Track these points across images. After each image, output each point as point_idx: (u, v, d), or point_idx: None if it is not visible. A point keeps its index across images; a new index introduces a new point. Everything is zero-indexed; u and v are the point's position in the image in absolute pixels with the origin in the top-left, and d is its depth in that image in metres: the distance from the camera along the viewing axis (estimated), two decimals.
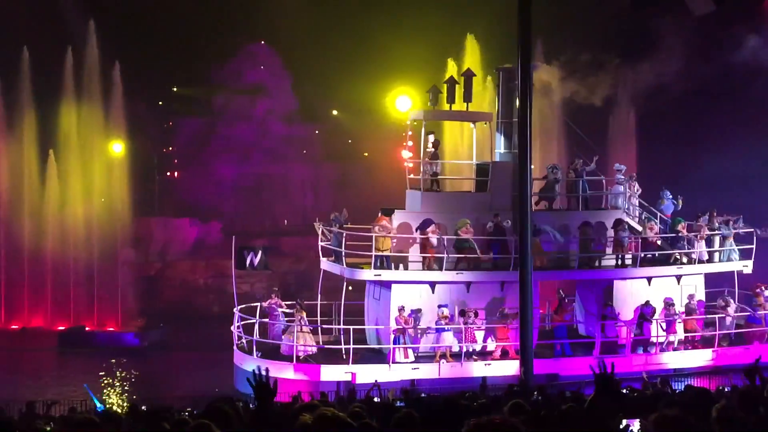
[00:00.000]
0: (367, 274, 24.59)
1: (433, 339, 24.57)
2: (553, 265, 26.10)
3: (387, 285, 24.95)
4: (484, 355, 24.91)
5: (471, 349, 24.58)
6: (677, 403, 8.14)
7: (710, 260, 27.40)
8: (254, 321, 24.87)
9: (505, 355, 24.67)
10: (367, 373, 23.25)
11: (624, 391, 13.77)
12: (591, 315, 26.44)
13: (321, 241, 25.55)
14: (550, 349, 25.15)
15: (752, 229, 27.74)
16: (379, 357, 24.37)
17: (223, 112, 55.58)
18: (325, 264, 25.78)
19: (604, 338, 25.06)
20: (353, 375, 23.51)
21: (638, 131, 45.08)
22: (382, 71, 44.92)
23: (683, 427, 4.72)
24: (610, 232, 26.37)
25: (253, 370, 5.52)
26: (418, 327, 24.32)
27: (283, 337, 24.67)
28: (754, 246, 27.34)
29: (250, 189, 53.87)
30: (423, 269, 24.97)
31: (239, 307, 25.24)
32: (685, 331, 26.19)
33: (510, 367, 24.23)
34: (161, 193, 54.97)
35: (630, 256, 26.21)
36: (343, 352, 23.87)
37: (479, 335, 24.94)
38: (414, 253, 25.24)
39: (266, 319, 25.05)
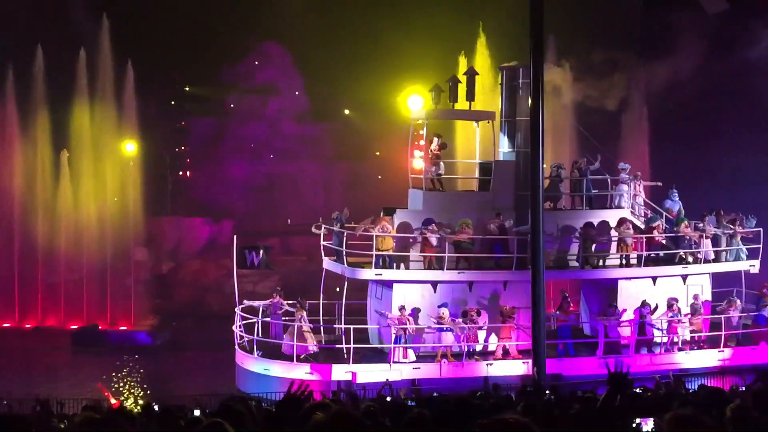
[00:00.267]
0: (368, 274, 24.56)
1: (433, 339, 24.53)
2: (556, 265, 26.03)
3: (389, 284, 24.92)
4: (485, 354, 24.89)
5: (472, 349, 24.58)
6: (691, 402, 8.11)
7: (717, 260, 27.23)
8: (256, 320, 24.90)
9: (506, 354, 24.65)
10: (368, 373, 23.29)
11: (637, 390, 13.72)
12: (595, 315, 26.34)
13: (323, 241, 25.54)
14: (553, 349, 25.15)
15: (758, 229, 27.49)
16: (380, 356, 24.34)
17: (235, 111, 55.73)
18: (327, 263, 25.76)
19: (608, 338, 24.95)
20: (353, 375, 23.51)
21: (651, 130, 44.92)
22: (394, 70, 44.89)
23: (698, 427, 4.71)
24: (614, 232, 26.30)
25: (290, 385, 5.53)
26: (418, 327, 24.29)
27: (284, 336, 24.71)
28: (761, 245, 27.18)
29: (261, 188, 53.99)
30: (424, 269, 24.98)
31: (240, 307, 25.27)
32: (691, 331, 26.07)
33: (512, 367, 24.21)
34: (173, 192, 55.18)
35: (635, 255, 26.10)
36: (344, 351, 23.91)
37: (481, 335, 24.93)
38: (415, 253, 25.23)
39: (267, 319, 25.09)
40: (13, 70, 40.15)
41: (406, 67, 43.89)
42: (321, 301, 26.09)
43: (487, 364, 24.26)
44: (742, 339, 26.24)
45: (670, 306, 25.59)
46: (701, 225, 26.89)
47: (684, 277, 26.57)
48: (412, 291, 24.82)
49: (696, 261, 26.59)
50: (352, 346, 23.75)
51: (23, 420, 6.59)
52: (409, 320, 24.02)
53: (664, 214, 27.55)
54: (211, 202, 52.07)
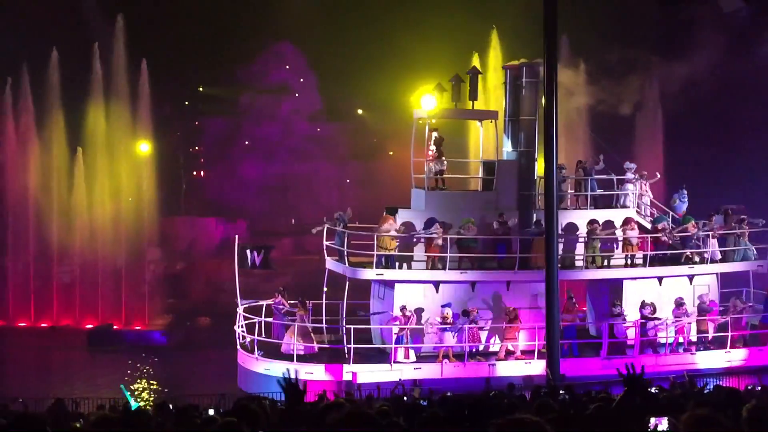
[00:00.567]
0: (369, 274, 24.52)
1: (435, 339, 24.47)
2: (561, 265, 25.87)
3: (390, 284, 24.86)
4: (487, 355, 24.81)
5: (475, 349, 24.51)
6: (707, 402, 8.08)
7: (725, 259, 27.00)
8: (257, 321, 24.96)
9: (509, 355, 24.59)
10: (368, 373, 23.27)
11: (653, 390, 13.67)
12: (601, 315, 26.20)
13: (325, 241, 25.50)
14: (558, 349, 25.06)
15: (765, 229, 27.23)
16: (381, 357, 24.30)
17: (248, 111, 55.86)
18: (330, 263, 25.69)
19: (615, 339, 24.82)
20: (354, 375, 23.49)
21: (665, 129, 44.73)
22: (407, 70, 44.88)
23: (714, 427, 4.69)
24: (619, 231, 26.15)
25: (283, 373, 5.53)
26: (417, 327, 24.23)
27: (285, 336, 24.75)
28: None
29: (275, 188, 54.10)
30: (427, 268, 24.91)
31: (242, 307, 25.33)
32: (698, 332, 25.90)
33: (514, 368, 24.13)
34: (187, 192, 55.36)
35: (640, 255, 25.92)
36: (345, 351, 23.88)
37: (483, 335, 24.85)
38: (418, 253, 25.15)
39: (269, 319, 25.13)
40: (28, 71, 40.34)
41: (419, 66, 43.87)
42: (324, 301, 26.09)
43: (489, 365, 24.21)
44: (750, 340, 26.05)
45: (678, 306, 25.44)
46: (709, 224, 26.72)
47: (690, 278, 26.41)
48: (414, 291, 24.76)
49: (702, 261, 26.42)
50: (352, 346, 23.77)
51: (39, 419, 6.63)
52: (409, 320, 23.97)
53: (671, 213, 27.40)
54: (225, 202, 52.23)
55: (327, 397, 17.47)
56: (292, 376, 5.41)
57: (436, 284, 24.83)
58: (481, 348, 24.76)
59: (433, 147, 26.01)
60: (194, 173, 58.92)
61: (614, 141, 34.67)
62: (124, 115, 40.63)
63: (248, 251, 25.45)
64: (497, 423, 4.93)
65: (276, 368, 23.91)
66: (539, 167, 26.82)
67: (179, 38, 51.12)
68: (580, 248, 26.06)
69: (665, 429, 6.83)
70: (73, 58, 40.80)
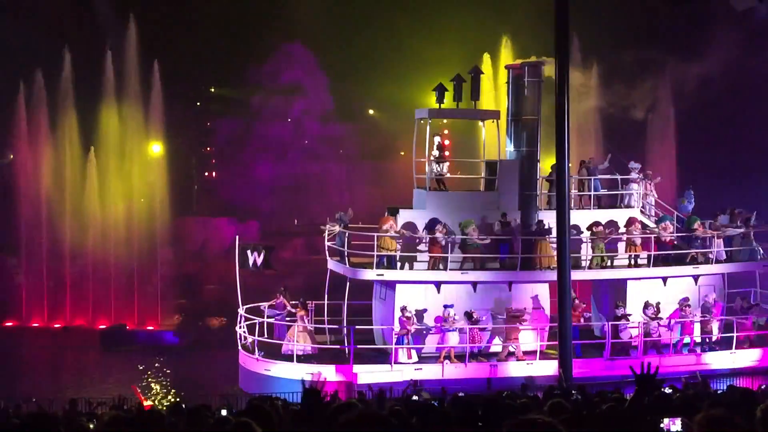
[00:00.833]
0: (370, 274, 24.47)
1: (436, 339, 24.41)
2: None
3: (392, 285, 24.83)
4: (488, 356, 24.74)
5: (477, 350, 24.44)
6: (722, 403, 8.04)
7: (730, 260, 26.77)
8: (261, 321, 25.00)
9: (510, 356, 24.50)
10: (369, 374, 23.27)
11: (667, 390, 13.62)
12: (605, 316, 26.08)
13: (327, 241, 25.42)
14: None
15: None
16: (382, 357, 24.28)
17: (260, 112, 55.94)
18: (332, 264, 25.63)
19: (614, 339, 24.71)
20: (355, 375, 23.48)
21: (677, 128, 44.51)
22: (418, 70, 44.93)
23: (728, 428, 4.67)
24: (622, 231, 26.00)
25: (303, 380, 5.53)
26: (418, 327, 24.21)
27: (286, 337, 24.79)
28: None
29: (286, 188, 54.16)
30: (428, 269, 24.84)
31: (244, 307, 25.39)
32: (702, 332, 25.76)
33: (515, 369, 24.06)
34: (199, 192, 55.47)
35: (644, 255, 25.73)
36: (349, 351, 23.83)
37: (486, 336, 24.79)
38: (419, 253, 25.08)
39: (270, 320, 25.15)
40: (42, 72, 40.52)
41: (430, 67, 43.89)
42: (326, 302, 26.06)
43: (490, 366, 24.13)
44: (756, 340, 25.85)
45: (682, 307, 25.29)
46: (714, 224, 26.53)
47: (695, 278, 26.24)
48: (415, 292, 24.71)
49: (707, 261, 26.22)
50: (352, 346, 23.73)
51: (52, 418, 6.66)
52: (410, 321, 23.94)
53: (676, 213, 27.22)
54: (237, 202, 52.31)
55: (339, 397, 17.48)
56: (314, 378, 5.43)
57: (438, 285, 24.78)
58: (483, 349, 24.73)
59: (435, 151, 25.95)
60: (206, 174, 59.08)
61: (626, 141, 34.56)
62: (136, 116, 40.76)
63: (249, 252, 25.50)
64: (510, 423, 4.92)
65: (277, 370, 23.93)
66: (542, 167, 26.79)
67: (191, 39, 51.26)
68: (583, 248, 25.89)
69: (678, 429, 6.81)
70: (85, 59, 40.96)
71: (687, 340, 25.51)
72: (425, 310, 24.64)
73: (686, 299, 25.43)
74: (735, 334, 25.12)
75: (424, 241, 24.92)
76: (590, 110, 37.20)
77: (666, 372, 22.79)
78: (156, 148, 43.37)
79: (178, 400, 22.39)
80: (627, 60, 34.98)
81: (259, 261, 25.51)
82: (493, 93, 42.56)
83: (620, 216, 26.49)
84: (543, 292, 25.43)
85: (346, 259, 24.70)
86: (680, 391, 14.66)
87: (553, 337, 25.09)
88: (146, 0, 48.72)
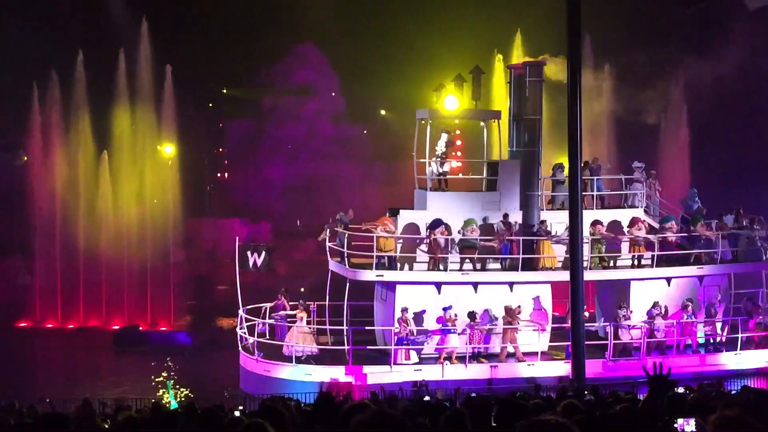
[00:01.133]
0: (369, 275, 24.44)
1: (437, 340, 24.37)
2: (566, 265, 25.63)
3: (392, 286, 24.80)
4: (489, 357, 24.68)
5: (478, 351, 24.38)
6: (736, 403, 8.00)
7: (736, 260, 26.53)
8: (261, 322, 25.07)
9: (509, 357, 24.42)
10: (369, 375, 23.26)
11: (681, 390, 13.56)
12: (609, 317, 25.97)
13: (329, 242, 25.40)
14: (563, 350, 24.85)
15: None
16: (382, 358, 24.28)
17: (272, 113, 56.07)
18: (333, 265, 25.59)
19: (616, 340, 24.60)
20: (364, 376, 23.48)
21: (690, 130, 44.27)
22: (430, 71, 44.87)
23: (743, 428, 4.65)
24: (626, 231, 25.84)
25: (321, 389, 5.55)
26: (419, 328, 24.20)
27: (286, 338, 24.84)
28: None
29: (298, 189, 54.26)
30: (428, 270, 24.80)
31: (244, 308, 25.44)
32: (706, 333, 25.57)
33: (516, 370, 23.98)
34: (212, 193, 55.60)
35: (648, 256, 25.53)
36: (349, 352, 23.82)
37: (494, 338, 24.73)
38: (420, 254, 25.03)
39: (270, 321, 25.20)
40: (56, 74, 40.70)
41: (441, 67, 43.83)
42: (327, 303, 26.04)
43: (491, 366, 24.07)
44: (762, 341, 25.66)
45: (684, 308, 25.13)
46: (719, 224, 26.33)
47: (700, 278, 26.07)
48: (416, 292, 24.68)
49: (712, 261, 26.06)
50: (350, 347, 23.72)
51: (65, 419, 6.69)
52: (409, 321, 23.92)
53: (681, 213, 27.05)
54: (249, 203, 52.45)
55: (351, 398, 17.51)
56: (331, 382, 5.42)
57: (438, 286, 24.75)
58: (482, 350, 24.68)
59: (443, 149, 25.87)
60: (218, 175, 59.24)
61: (638, 142, 34.38)
62: (148, 118, 40.89)
63: (249, 253, 25.57)
64: (524, 424, 4.91)
65: (277, 371, 23.95)
66: (543, 167, 26.68)
67: (203, 41, 51.41)
68: (584, 249, 25.78)
69: (692, 430, 6.78)
70: (98, 61, 41.12)
71: (689, 341, 25.38)
72: (425, 311, 24.58)
73: (690, 300, 25.30)
74: (740, 335, 24.96)
75: (424, 241, 24.90)
76: (602, 112, 37.08)
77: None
78: (168, 150, 43.50)
79: (190, 399, 22.42)
80: (639, 61, 34.82)
81: (259, 262, 25.63)
82: (506, 92, 42.43)
83: (624, 216, 26.35)
84: (545, 292, 25.32)
85: (346, 260, 24.68)
86: (694, 391, 14.62)
87: (556, 337, 25.11)
88: (159, 2, 48.87)
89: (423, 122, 26.12)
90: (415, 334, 24.04)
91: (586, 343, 24.07)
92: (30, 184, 40.96)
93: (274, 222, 50.28)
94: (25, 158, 46.13)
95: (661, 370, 6.59)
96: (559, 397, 13.99)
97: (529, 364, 24.08)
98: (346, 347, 23.86)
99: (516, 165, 25.91)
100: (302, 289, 26.27)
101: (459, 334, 24.12)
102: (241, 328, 25.42)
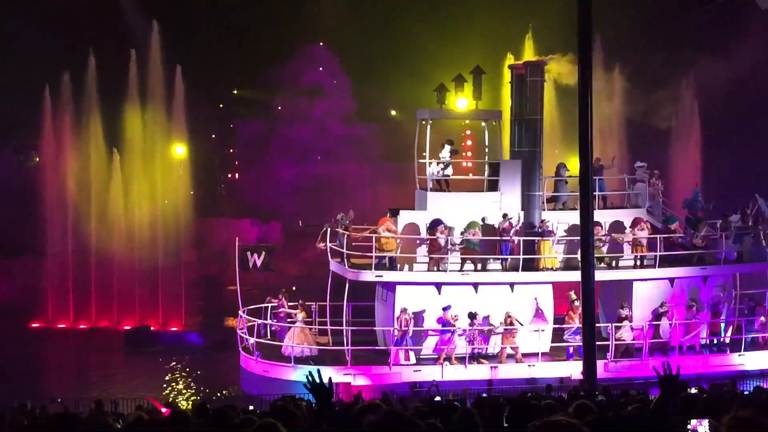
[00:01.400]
0: (369, 275, 24.38)
1: (437, 341, 24.31)
2: (567, 266, 25.46)
3: (392, 287, 24.74)
4: (489, 357, 24.61)
5: (478, 352, 24.29)
6: (750, 404, 7.97)
7: (740, 260, 26.31)
8: (265, 323, 25.11)
9: (509, 358, 24.31)
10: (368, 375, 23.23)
11: (693, 391, 13.52)
12: (611, 317, 25.86)
13: (329, 243, 25.38)
14: (563, 351, 24.77)
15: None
16: (381, 358, 24.24)
17: (282, 113, 56.13)
18: (333, 265, 25.58)
19: (618, 341, 24.47)
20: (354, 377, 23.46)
21: (703, 131, 44.02)
22: (441, 71, 44.83)
23: (757, 429, 4.62)
24: (629, 232, 25.68)
25: (307, 375, 5.53)
26: (417, 329, 24.16)
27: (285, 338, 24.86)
28: None
29: (309, 189, 54.28)
30: (428, 270, 24.71)
31: (244, 309, 25.46)
32: (711, 333, 25.40)
33: (516, 370, 23.89)
34: (223, 194, 55.68)
35: (652, 256, 25.34)
36: (347, 353, 23.78)
37: (493, 339, 24.65)
38: (420, 254, 24.94)
39: (269, 321, 25.23)
40: (68, 75, 40.85)
41: (452, 67, 43.74)
42: (328, 303, 26.01)
43: (491, 367, 23.97)
44: (765, 343, 25.48)
45: (689, 308, 24.97)
46: (724, 224, 26.14)
47: (704, 279, 25.86)
48: (416, 293, 24.60)
49: (716, 262, 25.81)
50: (350, 348, 23.64)
51: (77, 418, 6.71)
52: (408, 322, 23.88)
53: (686, 214, 26.89)
54: (260, 203, 52.50)
55: (362, 398, 17.50)
56: (316, 376, 5.40)
57: (438, 286, 24.64)
58: (483, 350, 24.62)
59: (447, 157, 25.81)
60: (229, 175, 59.34)
61: (650, 144, 34.21)
62: (159, 118, 41.00)
63: (248, 253, 25.66)
64: (535, 425, 4.90)
65: (287, 372, 23.97)
66: (545, 167, 26.55)
67: (214, 41, 51.50)
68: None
69: (706, 431, 6.75)
70: (110, 62, 41.25)
71: (719, 338, 25.27)
72: (425, 312, 24.52)
73: (694, 300, 25.15)
74: (744, 337, 24.77)
75: (424, 242, 24.80)
76: (612, 113, 36.96)
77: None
78: (179, 150, 43.60)
79: (201, 399, 22.45)
80: (651, 61, 34.72)
81: (259, 262, 25.68)
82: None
83: (627, 216, 26.19)
84: (546, 293, 25.20)
85: (346, 260, 24.64)
86: (706, 391, 14.56)
87: (558, 338, 24.99)
88: (170, 3, 48.99)
89: (423, 122, 26.09)
90: (411, 334, 24.03)
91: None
92: (42, 184, 41.12)
93: (285, 222, 50.30)
94: (37, 159, 46.34)
95: (671, 370, 6.56)
96: (570, 397, 13.96)
97: (529, 365, 23.97)
98: (345, 348, 23.78)
99: (517, 165, 25.81)
100: (294, 288, 26.33)
101: (459, 335, 24.07)
102: (241, 329, 25.45)
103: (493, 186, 25.85)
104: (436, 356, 24.24)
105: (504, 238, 24.79)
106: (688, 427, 6.58)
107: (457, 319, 24.04)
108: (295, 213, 52.48)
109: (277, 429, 5.54)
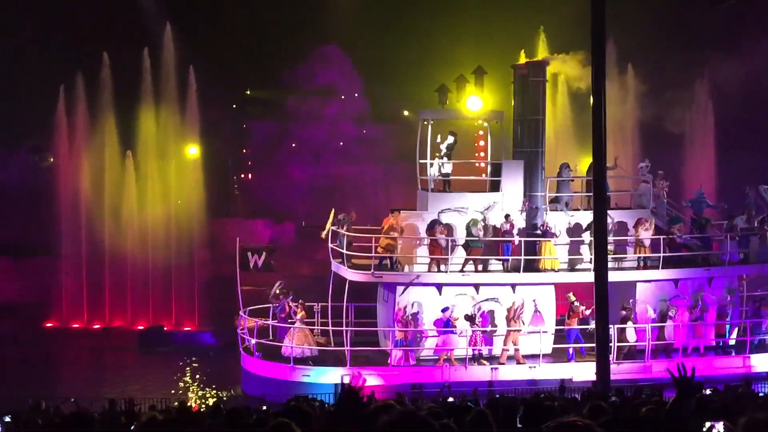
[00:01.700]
0: (369, 276, 24.31)
1: (436, 341, 24.27)
2: (569, 267, 25.33)
3: (392, 287, 24.70)
4: (489, 359, 24.54)
5: (479, 352, 24.21)
6: (766, 406, 7.92)
7: (746, 261, 26.09)
8: (256, 323, 25.10)
9: (510, 359, 24.25)
10: (367, 376, 23.15)
11: (707, 392, 13.45)
12: (615, 318, 25.70)
13: (330, 243, 25.35)
14: (564, 352, 24.68)
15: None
16: (381, 359, 24.19)
17: (295, 114, 56.20)
18: (335, 265, 25.55)
19: (620, 342, 24.34)
20: (361, 377, 23.42)
21: (717, 132, 43.76)
22: (453, 71, 44.76)
23: None
24: (632, 232, 25.55)
25: (343, 383, 5.54)
26: (419, 329, 24.14)
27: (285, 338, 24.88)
28: None
29: (322, 189, 54.34)
30: (429, 270, 24.66)
31: (246, 309, 25.48)
32: (717, 335, 25.23)
33: (517, 372, 23.81)
34: (236, 194, 55.79)
35: (656, 257, 25.13)
36: (347, 353, 23.76)
37: (497, 339, 24.58)
38: (421, 254, 24.87)
39: (269, 321, 25.23)
40: (82, 76, 41.03)
41: (465, 68, 43.69)
42: (330, 304, 26.02)
43: (492, 368, 23.89)
44: None
45: (693, 309, 24.80)
46: (730, 225, 25.95)
47: (709, 280, 25.66)
48: (416, 294, 24.57)
49: (720, 263, 25.61)
50: (349, 348, 23.64)
51: (91, 418, 6.74)
52: (409, 323, 23.85)
53: (691, 215, 26.71)
54: (273, 204, 52.57)
55: (375, 398, 17.47)
56: (353, 380, 5.41)
57: (439, 287, 24.59)
58: (485, 352, 24.57)
59: (447, 149, 25.78)
60: (242, 175, 59.47)
61: (664, 145, 34.00)
62: (173, 119, 41.13)
63: (249, 254, 25.70)
64: (550, 426, 4.88)
65: (286, 372, 23.96)
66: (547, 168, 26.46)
67: (227, 42, 51.61)
68: (584, 250, 25.40)
69: None
70: (123, 63, 41.42)
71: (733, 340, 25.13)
72: (425, 312, 24.47)
73: (698, 302, 25.01)
74: (749, 339, 24.61)
75: (423, 242, 24.75)
76: (625, 115, 36.82)
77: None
78: (193, 150, 43.71)
79: (218, 401, 22.52)
80: (665, 62, 34.55)
81: (260, 263, 25.74)
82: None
83: (632, 216, 26.05)
84: (547, 293, 25.11)
85: (345, 260, 24.62)
86: (721, 393, 14.49)
87: (559, 340, 24.87)
88: (183, 3, 49.16)
89: (425, 123, 26.08)
90: (411, 335, 24.01)
91: (590, 345, 23.85)
92: (56, 185, 41.31)
93: (298, 222, 50.39)
94: (52, 159, 46.54)
95: (686, 372, 6.52)
96: (584, 398, 13.92)
97: (530, 366, 23.89)
98: (345, 348, 23.81)
99: (519, 165, 25.70)
100: (284, 286, 26.35)
101: (457, 334, 24.05)
102: (242, 329, 25.49)
103: (495, 186, 25.75)
104: (436, 357, 24.20)
105: (506, 238, 24.72)
106: (704, 429, 6.55)
107: (456, 320, 24.00)
108: (308, 213, 52.61)
109: (291, 429, 5.54)
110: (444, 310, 24.17)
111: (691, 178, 37.76)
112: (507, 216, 24.86)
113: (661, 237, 25.15)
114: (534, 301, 24.83)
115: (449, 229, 24.79)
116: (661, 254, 24.92)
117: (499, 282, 24.82)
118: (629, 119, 38.58)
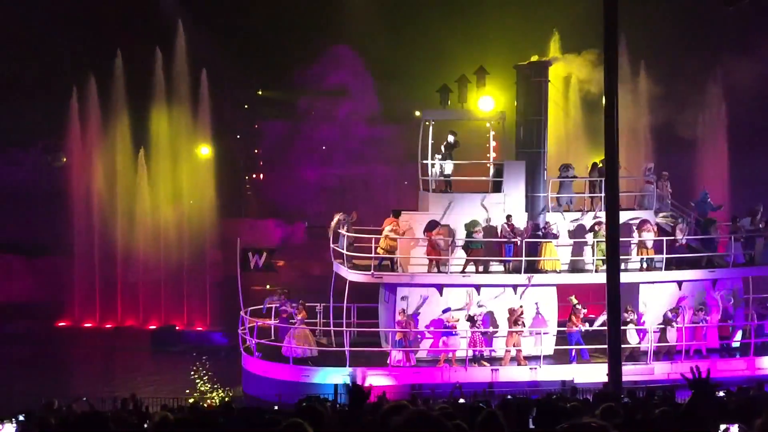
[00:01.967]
0: (368, 277, 24.26)
1: (436, 342, 24.23)
2: (571, 268, 25.19)
3: (393, 288, 24.66)
4: (490, 360, 24.47)
5: (478, 354, 24.24)
6: None
7: (751, 263, 25.77)
8: (256, 323, 25.11)
9: (512, 360, 24.20)
10: (366, 376, 23.20)
11: (721, 394, 13.38)
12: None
13: (331, 244, 25.28)
14: (566, 354, 24.54)
15: None
16: (380, 359, 24.17)
17: (307, 114, 56.28)
18: (335, 266, 25.49)
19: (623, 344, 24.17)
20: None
21: (729, 136, 43.53)
22: (464, 72, 44.73)
23: None
24: (635, 234, 25.41)
25: (349, 374, 5.55)
26: (419, 330, 24.11)
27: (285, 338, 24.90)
28: None
29: (333, 190, 54.39)
30: (428, 272, 24.61)
31: (247, 310, 25.52)
32: (720, 338, 25.09)
33: (518, 373, 23.74)
34: (247, 194, 55.89)
35: (658, 258, 24.94)
36: (347, 354, 23.76)
37: (497, 340, 24.51)
38: (420, 255, 24.84)
39: (269, 321, 25.27)
40: (94, 76, 41.21)
41: (476, 68, 43.65)
42: (331, 304, 26.03)
43: (492, 370, 23.85)
44: None
45: (697, 312, 24.67)
46: (734, 227, 25.79)
47: (713, 282, 25.51)
48: (417, 294, 24.52)
49: (725, 264, 25.42)
50: (348, 349, 23.66)
51: (104, 417, 6.74)
52: (409, 323, 23.83)
53: (696, 216, 26.56)
54: (284, 204, 52.66)
55: (387, 398, 17.48)
56: (356, 380, 5.42)
57: (439, 287, 24.59)
58: (485, 353, 24.51)
59: (442, 149, 25.74)
60: (254, 176, 59.59)
61: (676, 147, 33.83)
62: (185, 119, 41.25)
63: (250, 254, 25.73)
64: (564, 427, 4.87)
65: (286, 372, 23.99)
66: (549, 168, 26.34)
67: (239, 43, 51.72)
68: (586, 251, 25.27)
69: None
70: (136, 63, 41.57)
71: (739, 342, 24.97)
72: (423, 313, 24.46)
73: (703, 304, 24.88)
74: (753, 341, 24.48)
75: (423, 243, 24.77)
76: (637, 116, 36.67)
77: (679, 378, 22.09)
78: (204, 151, 43.82)
79: (230, 400, 22.55)
80: (677, 63, 34.41)
81: (260, 263, 25.77)
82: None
83: (635, 218, 25.95)
84: (549, 295, 25.08)
85: (345, 261, 24.61)
86: (737, 395, 14.41)
87: (561, 341, 24.77)
88: (195, 4, 49.28)
89: (427, 123, 26.03)
90: (411, 336, 24.00)
91: (592, 347, 24.02)
92: (69, 185, 41.49)
93: (309, 222, 50.46)
94: (65, 159, 46.76)
95: (701, 373, 6.49)
96: (596, 399, 13.87)
97: (531, 368, 23.85)
98: (345, 348, 23.87)
99: (521, 166, 25.62)
100: (283, 289, 26.36)
101: (457, 335, 24.01)
102: (242, 329, 25.54)
103: (497, 187, 25.72)
104: (436, 358, 24.18)
105: (509, 239, 24.64)
106: (720, 431, 6.51)
107: (456, 321, 23.99)
108: (319, 213, 52.66)
109: (304, 429, 5.54)
110: (445, 311, 24.14)
111: (704, 180, 37.58)
112: (508, 216, 24.80)
113: (664, 239, 25.03)
114: (536, 303, 24.77)
115: (448, 229, 24.72)
116: (664, 256, 24.79)
117: (498, 283, 24.73)
118: (641, 121, 38.42)
